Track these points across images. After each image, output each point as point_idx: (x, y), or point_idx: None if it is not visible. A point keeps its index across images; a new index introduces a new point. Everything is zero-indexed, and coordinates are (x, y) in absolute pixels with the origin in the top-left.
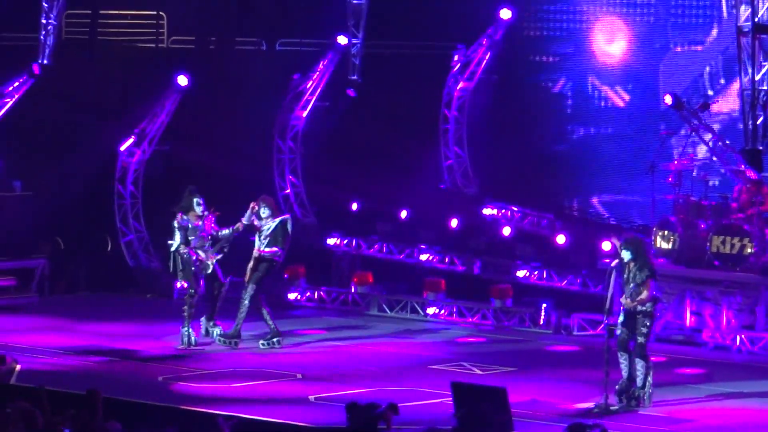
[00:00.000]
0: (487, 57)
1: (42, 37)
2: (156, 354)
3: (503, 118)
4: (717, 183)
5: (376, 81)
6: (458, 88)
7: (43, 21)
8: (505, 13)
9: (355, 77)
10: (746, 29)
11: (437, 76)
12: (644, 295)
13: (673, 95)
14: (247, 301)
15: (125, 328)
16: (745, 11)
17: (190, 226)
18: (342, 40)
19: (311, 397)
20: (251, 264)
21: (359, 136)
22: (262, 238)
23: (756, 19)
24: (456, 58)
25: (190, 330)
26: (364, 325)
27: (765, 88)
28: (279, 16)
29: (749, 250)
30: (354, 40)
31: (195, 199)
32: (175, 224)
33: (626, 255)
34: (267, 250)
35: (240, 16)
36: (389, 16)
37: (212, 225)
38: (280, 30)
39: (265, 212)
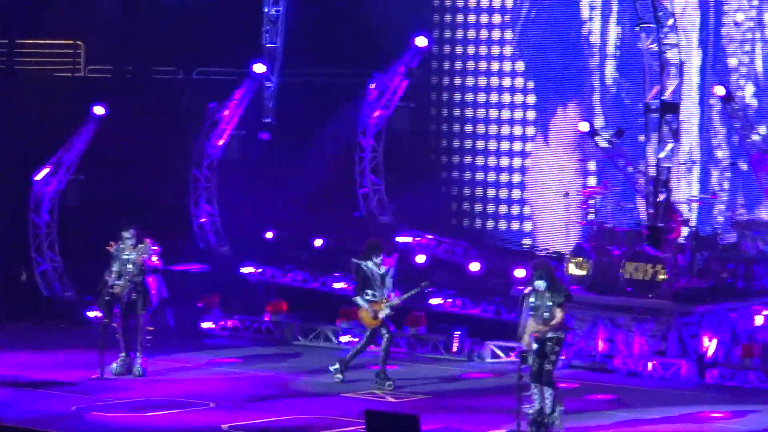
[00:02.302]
0: (403, 85)
1: None
2: (70, 383)
3: (419, 146)
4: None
5: (291, 109)
6: (374, 116)
7: None
8: (421, 41)
9: (269, 120)
10: (653, 107)
11: (353, 104)
12: (559, 317)
13: (590, 122)
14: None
15: (40, 358)
16: (653, 88)
17: (114, 254)
18: (258, 68)
19: (224, 426)
20: (387, 312)
21: (274, 164)
22: (386, 282)
23: (663, 98)
24: (372, 86)
25: (119, 360)
26: (277, 353)
27: (668, 165)
28: (196, 44)
29: (662, 277)
30: (268, 83)
31: (123, 234)
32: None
33: (541, 284)
34: (402, 302)
35: (157, 45)
36: (305, 44)
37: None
38: (197, 58)
39: (379, 259)
